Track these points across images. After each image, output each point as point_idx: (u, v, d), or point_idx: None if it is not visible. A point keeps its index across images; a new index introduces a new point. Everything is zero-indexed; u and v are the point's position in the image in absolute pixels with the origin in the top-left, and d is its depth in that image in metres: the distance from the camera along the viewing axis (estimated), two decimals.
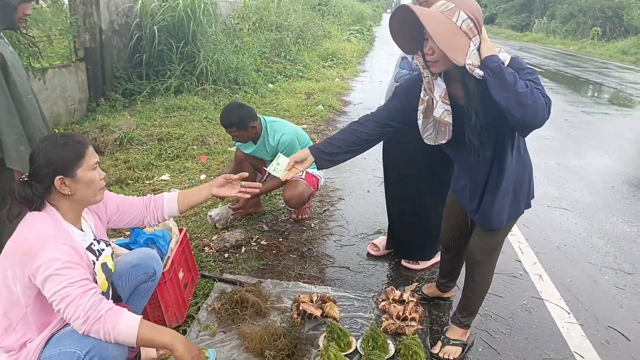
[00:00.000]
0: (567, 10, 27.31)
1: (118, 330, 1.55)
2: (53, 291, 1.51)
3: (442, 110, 1.94)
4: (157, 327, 1.68)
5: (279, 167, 2.19)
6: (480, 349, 2.40)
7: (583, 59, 19.09)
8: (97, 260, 1.79)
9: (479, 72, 1.74)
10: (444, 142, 2.02)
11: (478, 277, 2.25)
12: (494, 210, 2.06)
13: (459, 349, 2.33)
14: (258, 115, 3.35)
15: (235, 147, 3.60)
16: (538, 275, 3.10)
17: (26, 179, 1.65)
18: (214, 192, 2.11)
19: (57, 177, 1.62)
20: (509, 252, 3.34)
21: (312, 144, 3.64)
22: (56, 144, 1.63)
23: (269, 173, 3.69)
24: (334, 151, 2.13)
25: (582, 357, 2.36)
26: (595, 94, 11.12)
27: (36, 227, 1.60)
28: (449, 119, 1.95)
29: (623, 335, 2.55)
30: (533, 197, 2.17)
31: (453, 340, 2.34)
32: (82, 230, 1.78)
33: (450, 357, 2.31)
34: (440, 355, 2.32)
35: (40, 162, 1.62)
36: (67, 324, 1.66)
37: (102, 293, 1.79)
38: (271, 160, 3.53)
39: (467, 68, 1.73)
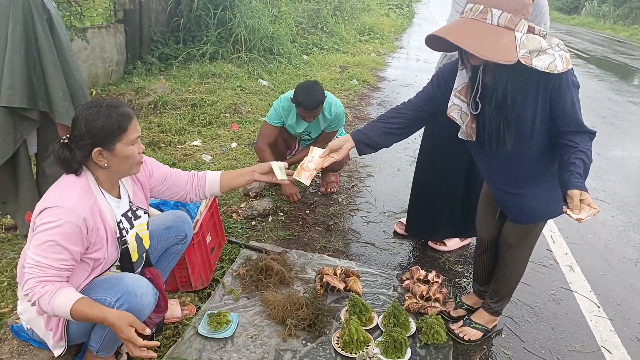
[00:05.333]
0: None
1: (53, 310, 1.52)
2: (28, 255, 1.53)
3: (451, 104, 1.93)
4: (91, 306, 1.53)
5: (313, 159, 2.12)
6: (503, 335, 2.36)
7: (633, 46, 18.09)
8: (132, 228, 1.81)
9: (536, 64, 1.65)
10: (471, 139, 1.97)
11: (510, 262, 2.19)
12: (527, 207, 2.00)
13: (480, 333, 2.29)
14: None
15: (271, 124, 3.44)
16: (569, 266, 3.01)
17: (67, 141, 1.65)
18: (256, 178, 2.11)
19: (96, 149, 1.61)
20: (539, 241, 3.22)
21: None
22: (100, 114, 1.60)
23: (298, 147, 3.69)
24: (374, 135, 2.07)
25: (609, 352, 2.30)
26: None
27: (61, 194, 1.59)
28: (455, 114, 1.93)
29: None
30: None
31: (476, 323, 2.31)
32: (118, 197, 1.79)
33: (466, 338, 2.28)
34: (457, 332, 2.29)
35: (81, 131, 1.60)
36: (97, 276, 1.71)
37: (133, 263, 1.83)
38: (316, 137, 3.48)
39: (523, 62, 1.64)
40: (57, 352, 1.73)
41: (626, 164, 5.07)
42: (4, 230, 2.80)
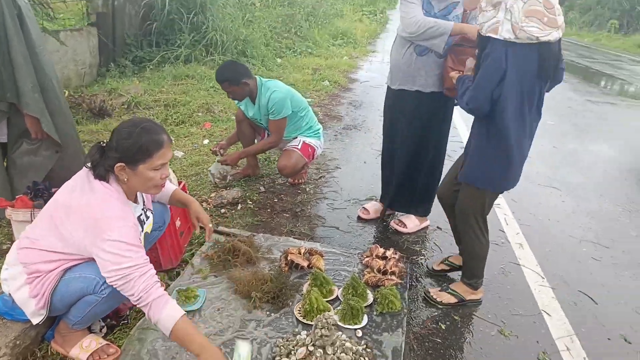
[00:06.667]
0: (587, 2, 26.78)
1: (159, 321, 1.69)
2: (113, 269, 1.64)
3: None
4: (189, 334, 1.70)
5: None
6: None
7: (597, 51, 18.84)
8: (142, 230, 1.95)
9: (480, 20, 2.06)
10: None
11: (463, 238, 2.45)
12: (469, 165, 2.28)
13: (454, 299, 2.50)
14: (255, 76, 3.48)
15: (238, 108, 3.72)
16: (519, 244, 3.24)
17: (104, 145, 1.78)
18: (191, 218, 2.28)
19: (120, 164, 1.74)
20: (493, 222, 3.47)
21: (309, 109, 3.75)
22: (132, 135, 1.72)
23: (267, 134, 3.86)
24: None
25: (549, 315, 2.52)
26: (604, 85, 11.07)
27: (106, 202, 1.71)
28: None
29: (591, 298, 2.69)
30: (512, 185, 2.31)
31: (452, 290, 2.53)
32: (136, 202, 1.94)
33: (439, 299, 2.50)
34: (433, 295, 2.52)
35: (112, 143, 1.74)
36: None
37: None
38: (265, 127, 3.65)
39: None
40: (35, 320, 1.82)
41: (580, 157, 5.37)
42: None
